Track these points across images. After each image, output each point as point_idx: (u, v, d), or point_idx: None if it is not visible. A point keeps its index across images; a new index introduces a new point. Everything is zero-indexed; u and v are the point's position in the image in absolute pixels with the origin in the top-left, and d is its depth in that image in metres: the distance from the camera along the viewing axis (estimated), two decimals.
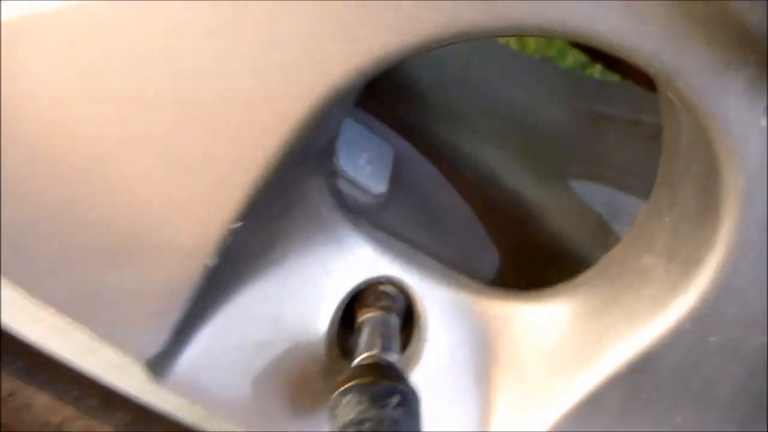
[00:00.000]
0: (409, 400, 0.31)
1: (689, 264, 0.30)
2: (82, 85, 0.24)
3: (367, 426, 0.29)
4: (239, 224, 0.29)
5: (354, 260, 0.36)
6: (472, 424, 0.38)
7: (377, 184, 0.39)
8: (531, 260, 0.44)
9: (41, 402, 0.35)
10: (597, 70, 0.80)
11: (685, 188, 0.30)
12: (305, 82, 0.25)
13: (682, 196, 0.30)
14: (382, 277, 0.37)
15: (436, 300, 0.37)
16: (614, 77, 0.72)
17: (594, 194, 0.52)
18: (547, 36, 0.23)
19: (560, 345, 0.37)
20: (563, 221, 0.47)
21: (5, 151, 0.24)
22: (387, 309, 0.37)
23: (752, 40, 0.21)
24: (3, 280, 0.27)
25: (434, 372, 0.38)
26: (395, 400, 0.30)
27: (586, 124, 0.60)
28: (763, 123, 0.24)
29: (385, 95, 0.48)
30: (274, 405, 0.35)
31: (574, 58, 0.81)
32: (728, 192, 0.27)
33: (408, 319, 0.39)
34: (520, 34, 0.23)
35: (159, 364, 0.32)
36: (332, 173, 0.34)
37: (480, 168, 0.48)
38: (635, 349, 0.33)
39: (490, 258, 0.43)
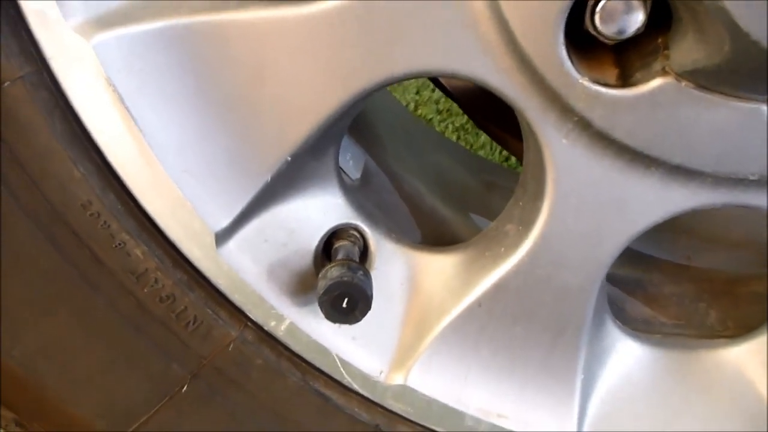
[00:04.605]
0: (368, 276, 0.53)
1: (528, 225, 0.55)
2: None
3: (345, 279, 0.51)
4: (290, 159, 0.52)
5: (336, 207, 0.59)
6: (393, 328, 0.60)
7: (355, 173, 0.63)
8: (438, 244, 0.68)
9: None
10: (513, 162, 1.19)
11: (530, 183, 0.56)
12: (344, 83, 0.49)
13: (529, 187, 0.56)
14: (351, 224, 0.60)
15: (381, 245, 0.60)
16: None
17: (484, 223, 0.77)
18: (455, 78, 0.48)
19: (450, 281, 0.60)
20: (459, 229, 0.72)
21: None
22: (352, 243, 0.59)
23: (554, 96, 0.48)
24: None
25: (376, 290, 0.60)
26: (362, 272, 0.53)
27: (483, 187, 0.87)
28: (565, 141, 0.50)
29: (363, 135, 0.73)
30: (281, 285, 0.56)
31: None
32: (548, 180, 0.52)
33: (362, 258, 0.61)
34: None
35: (220, 238, 0.53)
36: (337, 153, 0.58)
37: (411, 188, 0.73)
38: (493, 280, 0.57)
39: (416, 237, 0.67)
